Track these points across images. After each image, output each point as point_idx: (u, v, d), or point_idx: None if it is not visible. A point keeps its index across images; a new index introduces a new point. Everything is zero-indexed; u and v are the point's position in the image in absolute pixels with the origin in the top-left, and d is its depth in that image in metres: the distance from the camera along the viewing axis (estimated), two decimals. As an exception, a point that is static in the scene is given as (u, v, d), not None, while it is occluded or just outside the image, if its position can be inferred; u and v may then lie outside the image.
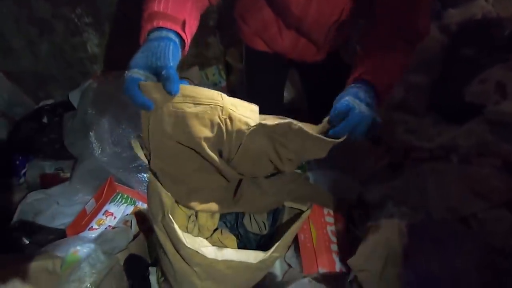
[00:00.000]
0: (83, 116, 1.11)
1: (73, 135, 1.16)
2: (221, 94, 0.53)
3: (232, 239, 0.68)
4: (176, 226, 0.57)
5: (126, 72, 0.49)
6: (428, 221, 0.77)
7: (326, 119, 0.56)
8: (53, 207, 1.08)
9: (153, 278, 0.80)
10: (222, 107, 0.52)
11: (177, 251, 0.59)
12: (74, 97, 1.37)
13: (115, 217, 0.94)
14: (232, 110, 0.53)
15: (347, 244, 0.73)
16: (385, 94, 0.60)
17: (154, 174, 0.60)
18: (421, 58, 1.24)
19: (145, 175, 1.04)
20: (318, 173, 1.05)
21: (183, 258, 0.59)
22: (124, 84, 0.49)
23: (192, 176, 0.59)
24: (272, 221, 0.73)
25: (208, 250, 0.58)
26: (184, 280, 0.63)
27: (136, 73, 0.48)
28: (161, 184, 0.59)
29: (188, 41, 0.56)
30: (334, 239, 0.72)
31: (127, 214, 0.95)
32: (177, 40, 0.53)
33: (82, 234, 0.88)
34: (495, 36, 1.15)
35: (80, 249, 0.74)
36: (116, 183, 0.98)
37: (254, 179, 0.65)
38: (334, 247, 0.71)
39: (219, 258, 0.57)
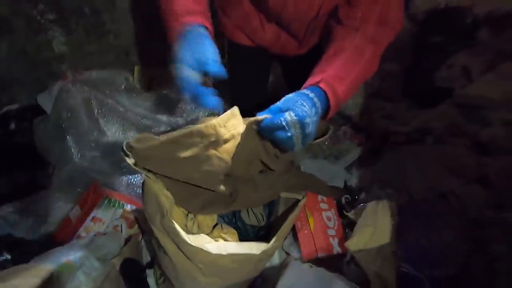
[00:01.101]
0: (58, 120, 1.05)
1: (47, 141, 1.09)
2: (214, 126, 0.53)
3: (233, 233, 0.68)
4: (177, 226, 0.56)
5: (178, 71, 0.50)
6: (413, 200, 0.83)
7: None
8: (31, 218, 1.01)
9: (151, 281, 0.78)
10: (214, 140, 0.54)
11: (180, 250, 0.58)
12: (44, 100, 1.28)
13: (103, 223, 0.91)
14: (225, 134, 0.54)
15: (342, 228, 0.76)
16: (336, 109, 0.60)
17: (149, 174, 0.59)
18: (393, 47, 1.30)
19: (131, 177, 1.01)
20: (305, 163, 1.08)
21: (186, 256, 0.59)
22: (184, 87, 0.50)
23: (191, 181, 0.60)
24: (268, 212, 0.75)
25: (211, 245, 0.58)
26: (187, 278, 0.62)
27: (191, 73, 0.50)
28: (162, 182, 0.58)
29: (213, 33, 0.58)
30: (329, 224, 0.75)
31: (116, 219, 0.92)
32: (208, 32, 0.56)
33: (70, 243, 0.84)
34: (459, 23, 1.24)
35: (73, 258, 0.70)
36: (102, 188, 0.94)
37: (248, 176, 0.66)
38: (331, 231, 0.74)
39: (224, 253, 0.58)
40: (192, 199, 0.63)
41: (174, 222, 0.56)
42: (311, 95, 0.56)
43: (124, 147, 0.58)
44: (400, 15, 0.67)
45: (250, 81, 1.05)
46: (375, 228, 0.66)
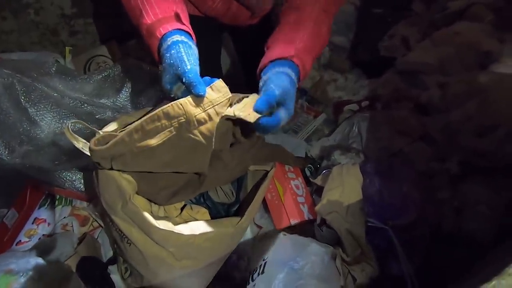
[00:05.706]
0: (-28, 112, 0.87)
1: (-39, 138, 0.90)
2: (180, 105, 0.47)
3: (204, 212, 0.65)
4: (143, 211, 0.51)
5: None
6: (369, 160, 0.88)
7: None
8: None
9: (115, 277, 0.72)
10: (184, 120, 0.48)
11: (148, 237, 0.54)
12: None
13: (49, 224, 0.80)
14: (198, 113, 0.48)
15: (310, 194, 0.78)
16: (303, 81, 0.62)
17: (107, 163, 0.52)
18: (340, 20, 1.34)
19: (77, 170, 0.89)
20: (267, 138, 1.08)
21: (155, 242, 0.54)
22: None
23: (162, 175, 0.56)
24: (237, 187, 0.73)
25: (182, 227, 0.55)
26: (159, 266, 0.58)
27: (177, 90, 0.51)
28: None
29: (190, 28, 0.57)
30: (298, 192, 0.76)
31: (64, 217, 0.82)
32: (183, 36, 0.53)
33: (8, 250, 0.72)
34: (396, -4, 1.32)
35: (14, 266, 0.61)
36: (43, 185, 0.82)
37: (216, 154, 0.63)
38: (300, 199, 0.75)
39: (196, 233, 0.55)
40: (160, 192, 0.58)
41: (139, 207, 0.51)
42: (292, 75, 0.56)
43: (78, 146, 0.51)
44: None
45: (200, 54, 0.99)
46: (343, 189, 0.68)
